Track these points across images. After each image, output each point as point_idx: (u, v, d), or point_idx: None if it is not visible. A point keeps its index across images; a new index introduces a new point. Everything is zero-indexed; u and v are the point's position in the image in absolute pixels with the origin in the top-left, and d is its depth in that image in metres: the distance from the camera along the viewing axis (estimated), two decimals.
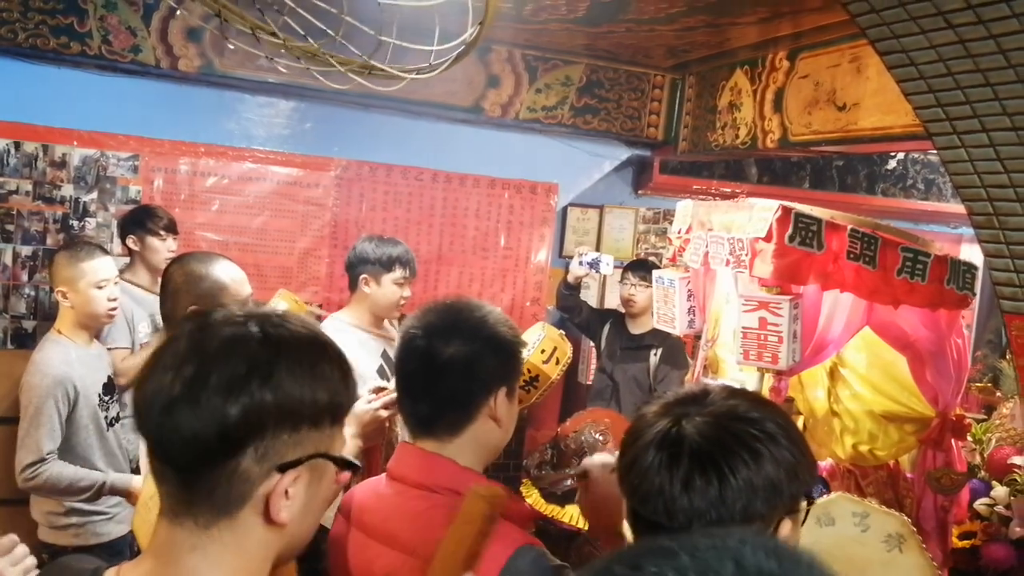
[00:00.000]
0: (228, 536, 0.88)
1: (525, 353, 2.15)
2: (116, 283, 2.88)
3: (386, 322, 3.00)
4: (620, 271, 4.23)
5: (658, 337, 3.83)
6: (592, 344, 4.49)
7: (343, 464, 0.96)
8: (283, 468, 0.88)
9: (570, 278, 4.08)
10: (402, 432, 1.65)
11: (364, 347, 2.82)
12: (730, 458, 0.97)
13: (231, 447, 0.86)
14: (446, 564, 1.04)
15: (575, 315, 4.21)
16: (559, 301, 4.22)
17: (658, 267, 3.61)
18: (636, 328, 4.07)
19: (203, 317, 0.93)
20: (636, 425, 1.07)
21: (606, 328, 4.19)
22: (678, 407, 1.05)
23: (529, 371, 2.08)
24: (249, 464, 0.87)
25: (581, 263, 3.97)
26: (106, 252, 2.94)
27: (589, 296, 4.81)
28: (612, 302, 4.90)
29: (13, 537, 1.41)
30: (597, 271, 3.98)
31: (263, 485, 0.88)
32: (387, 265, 2.90)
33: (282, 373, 0.87)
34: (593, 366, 4.60)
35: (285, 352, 0.89)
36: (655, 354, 3.97)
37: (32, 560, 1.40)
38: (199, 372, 0.86)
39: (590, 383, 4.60)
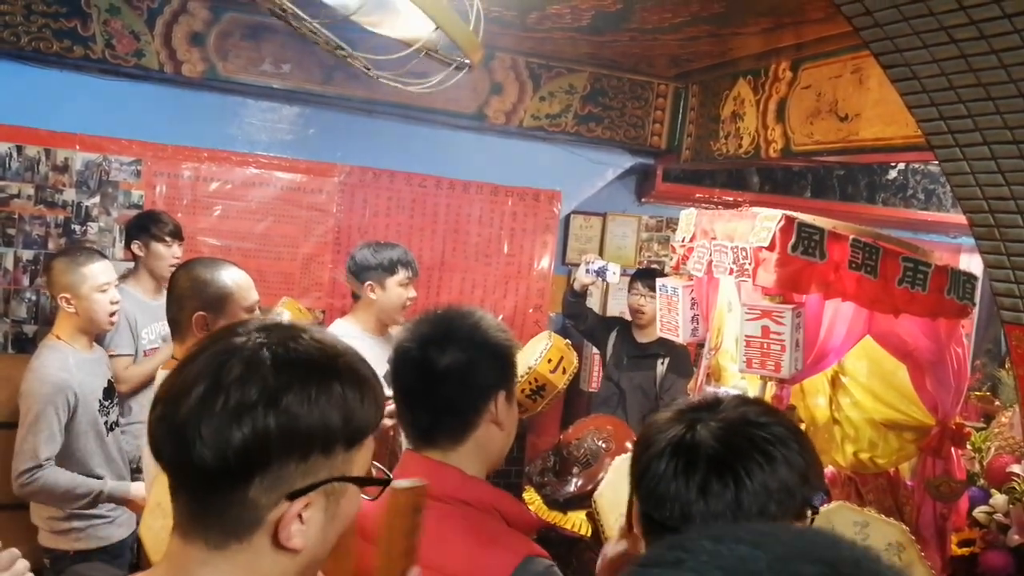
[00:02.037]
0: (240, 558, 0.87)
1: (532, 362, 2.16)
2: (116, 286, 2.89)
3: (390, 329, 3.01)
4: (627, 280, 4.22)
5: (665, 346, 3.83)
6: (595, 351, 4.49)
7: (364, 483, 0.94)
8: (293, 496, 0.86)
9: (576, 286, 4.06)
10: (405, 441, 1.66)
11: (371, 353, 2.82)
12: (746, 462, 0.99)
13: (235, 477, 0.84)
14: (389, 562, 1.04)
15: (580, 322, 4.20)
16: (565, 308, 4.22)
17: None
18: (643, 337, 4.06)
19: (218, 336, 0.91)
20: (647, 431, 1.09)
21: (612, 336, 4.18)
22: (691, 413, 1.07)
23: (536, 380, 2.08)
24: (257, 493, 0.85)
25: (588, 271, 3.95)
26: (103, 256, 2.95)
27: (592, 303, 4.81)
28: (615, 309, 4.91)
29: (14, 551, 1.40)
30: (604, 279, 3.97)
31: (273, 512, 0.86)
32: (390, 268, 2.92)
33: (290, 399, 0.85)
34: (596, 374, 4.61)
35: (296, 376, 0.86)
36: (662, 363, 3.96)
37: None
38: (207, 397, 0.84)
39: (593, 390, 4.61)
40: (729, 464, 0.99)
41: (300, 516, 0.87)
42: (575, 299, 4.11)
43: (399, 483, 1.06)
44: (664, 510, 1.01)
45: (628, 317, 4.23)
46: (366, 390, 0.92)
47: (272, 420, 0.83)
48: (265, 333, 0.90)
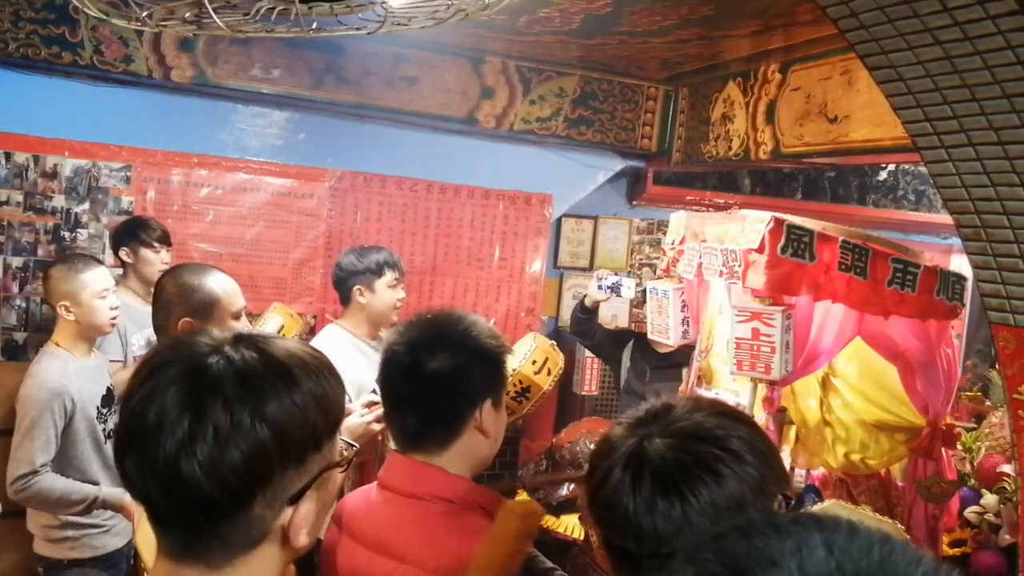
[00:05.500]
0: (243, 570, 0.87)
1: (516, 364, 2.16)
2: (114, 292, 2.88)
3: (381, 333, 3.01)
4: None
5: (688, 354, 3.74)
6: (588, 355, 4.46)
7: (342, 463, 0.95)
8: (294, 500, 0.87)
9: (588, 302, 3.82)
10: (393, 445, 1.66)
11: (364, 357, 2.83)
12: (691, 481, 0.95)
13: (239, 501, 0.83)
14: None
15: (587, 338, 4.04)
16: (574, 325, 4.01)
17: None
18: (664, 347, 3.90)
19: (168, 362, 0.86)
20: (602, 447, 1.05)
21: (628, 348, 4.03)
22: (641, 428, 1.03)
23: (520, 382, 2.09)
24: (262, 509, 0.85)
25: (601, 287, 3.72)
26: (100, 262, 2.94)
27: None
28: (607, 314, 4.89)
29: None
30: (618, 295, 3.74)
31: (278, 520, 0.87)
32: (377, 271, 2.92)
33: (275, 409, 0.83)
34: (588, 376, 4.59)
35: (271, 385, 0.85)
36: (687, 371, 3.91)
37: None
38: (194, 428, 0.81)
39: (586, 393, 4.58)
40: (674, 483, 0.96)
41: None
42: (585, 316, 3.89)
43: (513, 505, 1.06)
44: (617, 531, 0.99)
45: (623, 324, 4.17)
46: (333, 374, 0.92)
47: (266, 432, 0.82)
48: (222, 351, 0.87)
